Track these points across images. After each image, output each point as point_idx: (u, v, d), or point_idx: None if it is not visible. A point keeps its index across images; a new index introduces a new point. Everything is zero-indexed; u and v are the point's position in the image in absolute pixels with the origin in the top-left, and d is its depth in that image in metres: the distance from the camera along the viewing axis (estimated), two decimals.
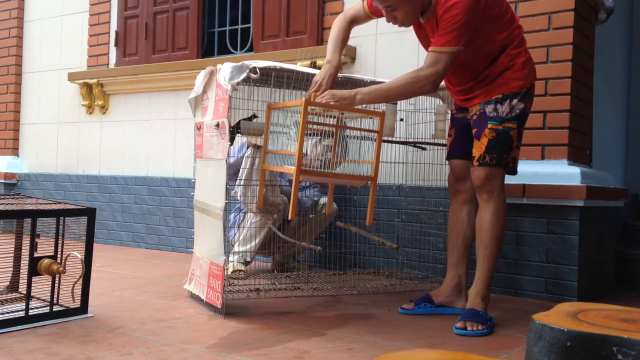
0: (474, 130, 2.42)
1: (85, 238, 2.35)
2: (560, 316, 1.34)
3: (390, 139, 3.09)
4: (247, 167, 3.01)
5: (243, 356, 1.90)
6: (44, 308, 2.29)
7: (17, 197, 2.62)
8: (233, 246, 3.28)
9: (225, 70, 2.43)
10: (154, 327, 2.22)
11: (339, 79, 2.76)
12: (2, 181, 5.22)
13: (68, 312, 2.31)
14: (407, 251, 3.38)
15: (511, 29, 2.37)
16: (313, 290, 2.92)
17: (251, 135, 2.77)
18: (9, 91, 5.39)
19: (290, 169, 2.32)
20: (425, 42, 2.46)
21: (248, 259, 3.24)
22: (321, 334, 2.19)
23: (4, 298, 2.46)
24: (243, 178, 3.03)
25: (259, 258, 3.63)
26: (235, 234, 3.29)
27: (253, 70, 2.47)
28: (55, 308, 2.29)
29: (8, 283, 2.57)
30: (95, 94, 4.80)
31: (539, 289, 2.93)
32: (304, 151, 2.80)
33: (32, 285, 2.21)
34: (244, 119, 2.75)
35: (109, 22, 4.80)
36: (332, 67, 2.48)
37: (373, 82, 2.70)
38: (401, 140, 3.23)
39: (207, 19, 4.44)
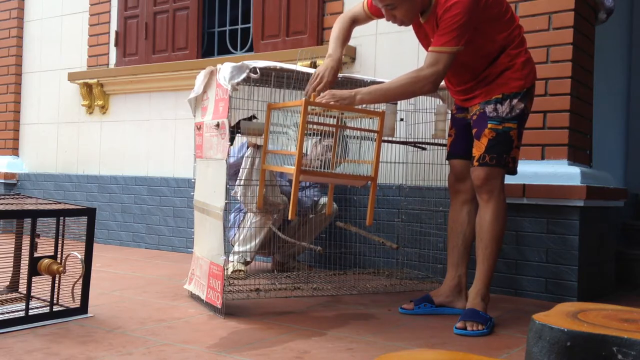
0: (474, 130, 2.42)
1: (85, 238, 2.35)
2: (560, 316, 1.34)
3: (390, 139, 3.09)
4: (247, 167, 3.01)
5: (243, 356, 1.90)
6: (44, 308, 2.29)
7: (17, 197, 2.62)
8: (233, 246, 3.28)
9: (225, 70, 2.43)
10: (154, 327, 2.22)
11: (339, 78, 2.76)
12: (2, 181, 5.22)
13: (68, 312, 2.31)
14: (407, 251, 3.38)
15: (511, 28, 2.37)
16: (313, 290, 2.92)
17: (251, 135, 2.77)
18: (9, 91, 5.39)
19: (290, 169, 2.32)
20: (425, 42, 2.46)
21: (248, 259, 3.24)
22: (321, 334, 2.19)
23: (4, 298, 2.46)
24: (243, 178, 3.03)
25: (259, 258, 3.63)
26: (235, 234, 3.29)
27: (253, 70, 2.47)
28: (55, 308, 2.29)
29: (8, 283, 2.57)
30: (95, 94, 4.80)
31: (539, 289, 2.92)
32: (304, 151, 2.80)
33: (32, 285, 2.21)
34: (244, 119, 2.75)
35: (109, 22, 4.80)
36: (333, 61, 2.48)
37: (373, 82, 2.70)
38: (401, 140, 3.23)
39: (207, 19, 4.44)
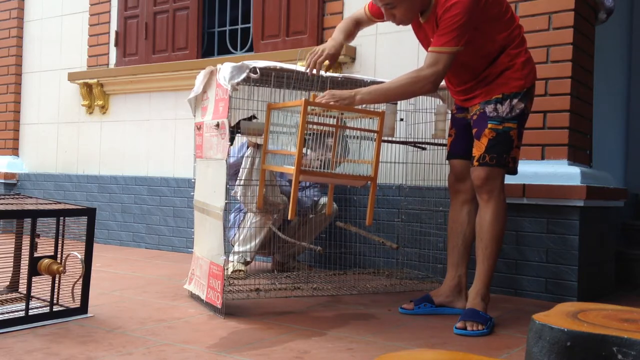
0: (474, 130, 2.42)
1: (85, 238, 2.35)
2: (560, 316, 1.34)
3: (390, 139, 3.09)
4: (247, 167, 3.01)
5: (243, 356, 1.90)
6: (44, 308, 2.29)
7: (17, 197, 2.62)
8: (233, 246, 3.28)
9: (225, 70, 2.43)
10: (154, 327, 2.22)
11: (339, 78, 2.77)
12: (2, 181, 5.22)
13: (68, 312, 2.31)
14: (407, 251, 3.38)
15: (511, 28, 2.37)
16: (313, 290, 2.92)
17: (251, 135, 2.77)
18: (9, 91, 5.39)
19: (290, 169, 2.32)
20: (425, 42, 2.46)
21: (248, 259, 3.24)
22: (321, 334, 2.19)
23: (4, 298, 2.46)
24: (243, 178, 3.03)
25: (259, 258, 3.63)
26: (235, 234, 3.29)
27: (253, 70, 2.47)
28: (55, 308, 2.29)
29: (8, 283, 2.57)
30: (95, 94, 4.80)
31: (539, 289, 2.92)
32: (304, 151, 2.80)
33: (32, 285, 2.21)
34: (244, 119, 2.75)
35: (109, 22, 4.80)
36: (334, 40, 2.56)
37: (373, 82, 2.70)
38: (401, 140, 3.23)
39: (207, 19, 4.44)
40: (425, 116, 3.26)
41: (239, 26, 4.31)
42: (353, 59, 3.69)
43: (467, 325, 2.26)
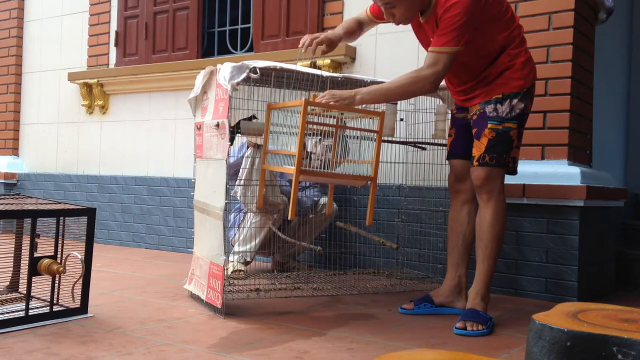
0: (474, 130, 2.42)
1: (85, 238, 2.35)
2: (560, 316, 1.34)
3: (390, 139, 3.09)
4: (247, 167, 3.01)
5: (243, 356, 1.90)
6: (44, 308, 2.29)
7: (17, 197, 2.62)
8: (233, 246, 3.28)
9: (225, 70, 2.43)
10: (154, 327, 2.22)
11: (339, 78, 2.77)
12: (2, 181, 5.22)
13: (68, 312, 2.31)
14: (407, 251, 3.38)
15: (511, 28, 2.37)
16: (313, 290, 2.92)
17: (251, 135, 2.77)
18: (9, 91, 5.39)
19: (290, 169, 2.32)
20: (425, 42, 2.47)
21: (248, 259, 3.24)
22: (321, 334, 2.19)
23: (4, 298, 2.46)
24: (243, 178, 3.03)
25: (259, 258, 3.63)
26: (235, 234, 3.29)
27: (253, 70, 2.47)
28: (55, 308, 2.29)
29: (8, 283, 2.57)
30: (95, 94, 4.80)
31: (539, 289, 2.92)
32: (308, 150, 2.80)
33: (32, 285, 2.21)
34: (244, 119, 2.75)
35: (109, 22, 4.80)
36: (334, 32, 2.63)
37: (373, 82, 2.70)
38: (401, 140, 3.23)
39: (207, 19, 4.44)
40: (425, 116, 3.26)
41: (239, 26, 4.31)
42: (353, 59, 3.69)
43: (467, 325, 2.26)
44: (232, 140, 2.51)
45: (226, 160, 2.38)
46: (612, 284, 3.30)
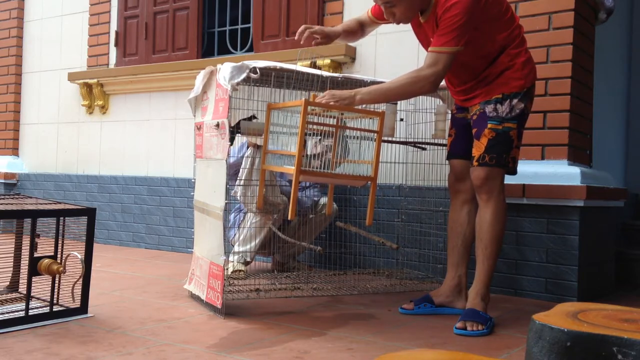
0: (473, 130, 2.42)
1: (85, 238, 2.35)
2: (560, 316, 1.34)
3: (390, 139, 3.09)
4: (247, 167, 3.01)
5: (243, 356, 1.90)
6: (44, 308, 2.29)
7: (17, 197, 2.62)
8: (233, 246, 3.28)
9: (225, 70, 2.43)
10: (154, 327, 2.22)
11: (339, 78, 2.77)
12: (2, 181, 5.22)
13: (68, 312, 2.31)
14: (407, 251, 3.38)
15: (511, 28, 2.37)
16: (313, 290, 2.92)
17: (251, 135, 2.77)
18: (9, 91, 5.39)
19: (290, 169, 2.32)
20: (425, 42, 2.47)
21: (248, 259, 3.24)
22: (321, 334, 2.19)
23: (4, 298, 2.46)
24: (243, 178, 3.03)
25: (259, 258, 3.63)
26: (235, 234, 3.29)
27: (253, 70, 2.47)
28: (55, 308, 2.29)
29: (8, 283, 2.57)
30: (95, 94, 4.80)
31: (539, 289, 2.92)
32: (307, 151, 2.80)
33: (32, 285, 2.21)
34: (244, 119, 2.75)
35: (109, 22, 4.80)
36: (332, 28, 2.65)
37: (373, 82, 2.70)
38: (401, 140, 3.23)
39: (207, 19, 4.44)
40: (425, 116, 3.26)
41: (239, 26, 4.31)
42: (353, 59, 3.69)
43: (467, 325, 2.26)
44: (232, 140, 2.51)
45: (226, 160, 2.38)
46: (612, 284, 3.30)
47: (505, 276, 3.01)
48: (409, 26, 2.54)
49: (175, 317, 2.40)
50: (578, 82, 3.01)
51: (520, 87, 2.37)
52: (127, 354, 1.89)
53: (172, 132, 4.45)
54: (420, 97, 3.14)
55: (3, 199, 2.50)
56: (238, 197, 3.12)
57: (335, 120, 2.42)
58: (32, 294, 2.23)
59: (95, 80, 4.74)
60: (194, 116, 2.82)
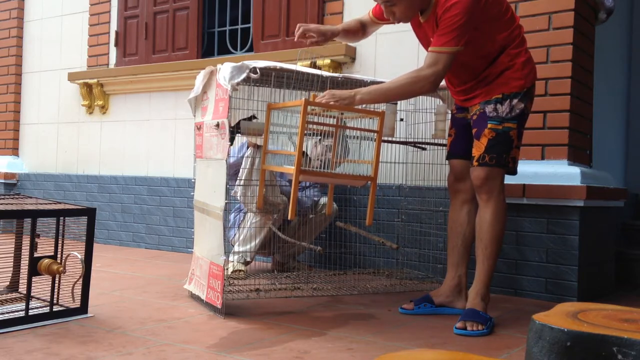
0: (473, 130, 2.42)
1: (85, 238, 2.35)
2: (560, 316, 1.34)
3: (390, 139, 3.09)
4: (247, 167, 3.01)
5: (243, 356, 1.90)
6: (44, 308, 2.29)
7: (17, 197, 2.62)
8: (233, 246, 3.28)
9: (225, 70, 2.43)
10: (154, 327, 2.22)
11: (339, 78, 2.77)
12: (2, 181, 5.22)
13: (68, 312, 2.31)
14: (407, 251, 3.38)
15: (511, 28, 2.37)
16: (313, 290, 2.92)
17: (251, 135, 2.77)
18: (9, 91, 5.39)
19: (290, 169, 2.32)
20: (425, 42, 2.47)
21: (248, 259, 3.24)
22: (321, 334, 2.19)
23: (4, 298, 2.46)
24: (243, 178, 3.03)
25: (259, 258, 3.63)
26: (235, 234, 3.29)
27: (253, 70, 2.47)
28: (55, 308, 2.29)
29: (8, 283, 2.57)
30: (95, 94, 4.80)
31: (539, 289, 2.92)
32: (306, 152, 2.80)
33: (32, 285, 2.21)
34: (244, 119, 2.75)
35: (109, 22, 4.80)
36: (331, 27, 2.65)
37: (373, 82, 2.70)
38: (401, 140, 3.23)
39: (207, 19, 4.44)
40: (425, 116, 3.27)
41: (239, 26, 4.31)
42: (353, 59, 3.69)
43: (467, 325, 2.26)
44: (232, 140, 2.51)
45: (226, 160, 2.38)
46: (612, 284, 3.30)
47: (505, 276, 3.01)
48: (409, 26, 2.54)
49: (175, 317, 2.40)
50: (578, 82, 3.01)
51: (520, 87, 2.37)
52: (127, 354, 1.89)
53: (172, 132, 4.45)
54: (420, 97, 3.14)
55: (3, 199, 2.50)
56: (238, 197, 3.12)
57: (335, 120, 2.43)
58: (32, 294, 2.23)
59: (95, 80, 4.74)
60: (194, 116, 2.82)
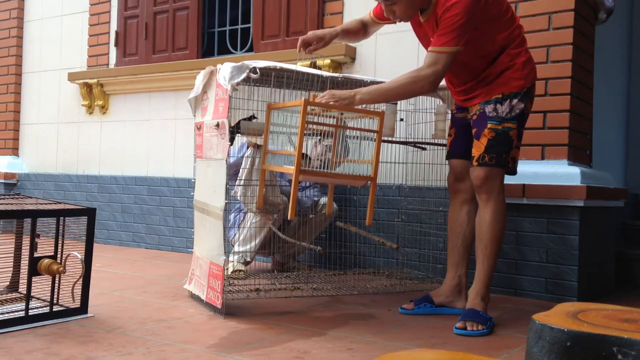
0: (473, 130, 2.42)
1: (85, 238, 2.35)
2: (560, 316, 1.34)
3: (390, 139, 3.09)
4: (247, 167, 3.01)
5: (243, 356, 1.90)
6: (44, 308, 2.29)
7: (17, 197, 2.62)
8: (233, 246, 3.28)
9: (225, 70, 2.43)
10: (154, 327, 2.22)
11: (339, 78, 2.77)
12: (2, 181, 5.22)
13: (68, 312, 2.31)
14: (407, 251, 3.38)
15: (511, 28, 2.37)
16: (313, 290, 2.92)
17: (251, 135, 2.77)
18: (9, 91, 5.39)
19: (290, 169, 2.32)
20: (425, 41, 2.47)
21: (248, 259, 3.24)
22: (321, 334, 2.19)
23: (4, 298, 2.46)
24: (243, 178, 3.03)
25: (259, 258, 3.63)
26: (235, 234, 3.29)
27: (253, 70, 2.47)
28: (55, 308, 2.29)
29: (8, 283, 2.57)
30: (95, 94, 4.80)
31: (539, 289, 2.92)
32: (307, 153, 2.80)
33: (32, 285, 2.21)
34: (244, 119, 2.75)
35: (109, 22, 4.80)
36: (330, 30, 2.65)
37: (373, 82, 2.70)
38: (401, 140, 3.23)
39: (207, 19, 4.44)
40: (425, 116, 3.27)
41: (239, 26, 4.31)
42: (353, 59, 3.69)
43: (467, 325, 2.26)
44: (232, 140, 2.51)
45: (226, 160, 2.38)
46: (612, 284, 3.30)
47: (505, 276, 3.01)
48: (409, 26, 2.54)
49: (175, 317, 2.40)
50: (578, 82, 3.01)
51: (520, 87, 2.37)
52: (127, 354, 1.89)
53: (172, 132, 4.45)
54: (420, 97, 3.14)
55: (3, 199, 2.50)
56: (238, 197, 3.12)
57: (335, 120, 2.42)
58: (32, 294, 2.23)
59: (95, 80, 4.74)
60: (194, 116, 2.82)
